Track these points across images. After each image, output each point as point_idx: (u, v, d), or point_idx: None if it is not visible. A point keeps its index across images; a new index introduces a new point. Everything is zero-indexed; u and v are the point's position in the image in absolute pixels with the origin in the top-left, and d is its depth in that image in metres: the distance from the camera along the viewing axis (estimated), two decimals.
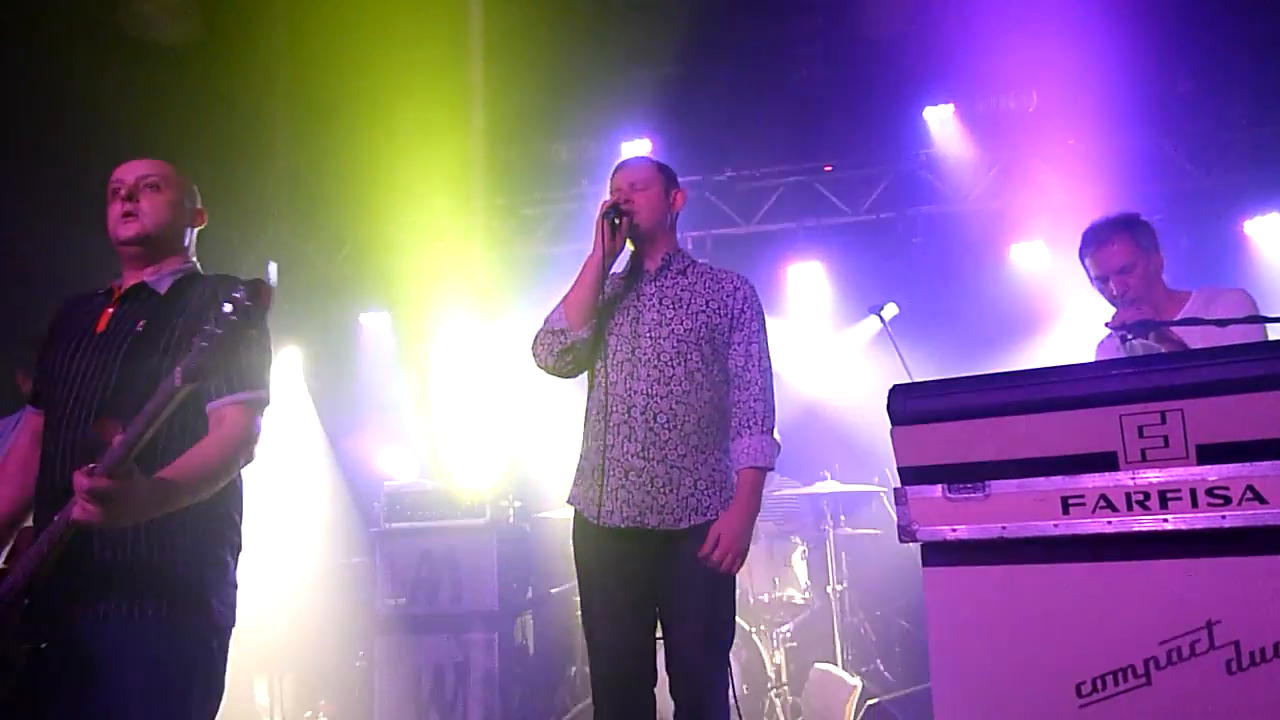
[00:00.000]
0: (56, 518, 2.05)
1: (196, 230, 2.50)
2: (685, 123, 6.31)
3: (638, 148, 6.15)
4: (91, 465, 1.94)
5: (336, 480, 6.84)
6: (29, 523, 2.32)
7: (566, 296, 2.83)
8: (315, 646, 5.74)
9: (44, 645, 2.10)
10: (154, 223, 2.37)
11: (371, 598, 5.41)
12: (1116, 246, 3.00)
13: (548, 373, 2.87)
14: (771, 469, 2.79)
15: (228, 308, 1.84)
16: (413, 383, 7.09)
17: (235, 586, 2.33)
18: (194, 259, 2.49)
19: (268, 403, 2.31)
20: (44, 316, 2.51)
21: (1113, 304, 2.97)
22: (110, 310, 2.35)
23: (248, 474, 2.35)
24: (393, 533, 5.45)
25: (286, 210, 6.91)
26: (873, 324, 5.06)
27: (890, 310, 4.60)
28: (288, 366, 7.15)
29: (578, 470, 2.89)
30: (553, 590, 5.55)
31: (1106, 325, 2.83)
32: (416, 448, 6.97)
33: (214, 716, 2.24)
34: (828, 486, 5.23)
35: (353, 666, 5.61)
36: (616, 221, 2.82)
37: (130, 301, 2.35)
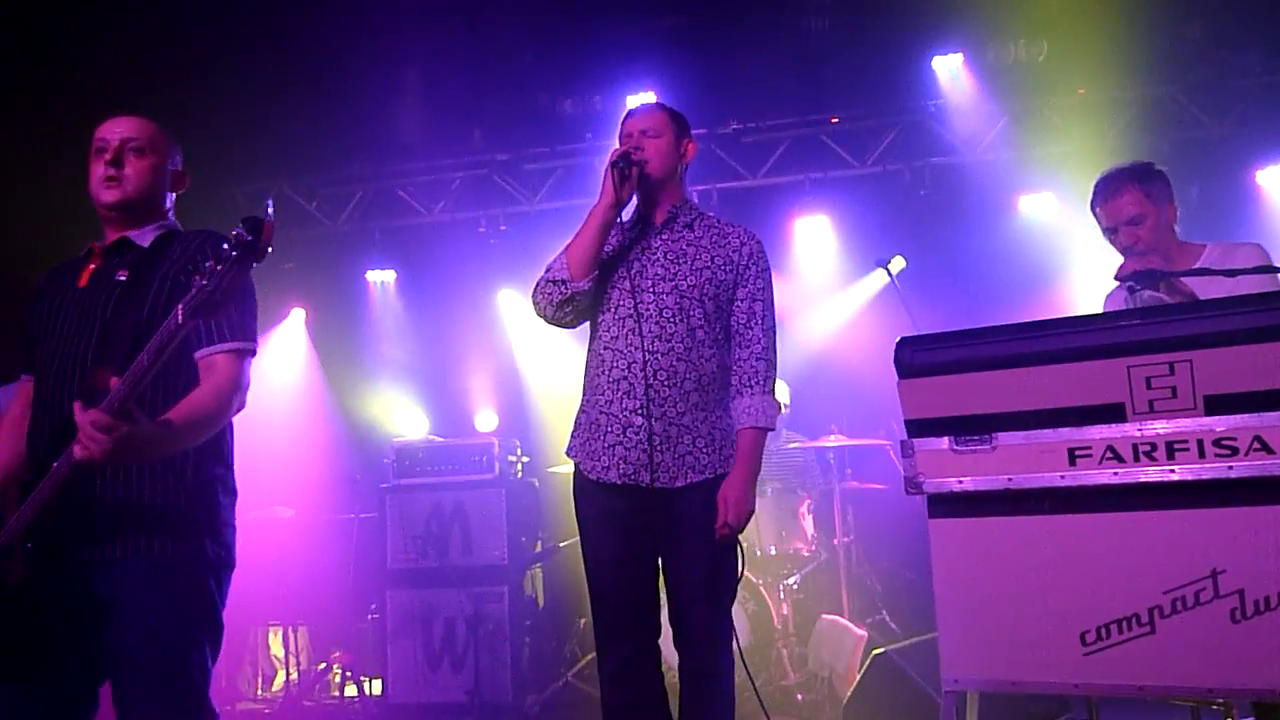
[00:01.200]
0: (55, 464, 2.07)
1: (177, 194, 2.50)
2: (690, 74, 6.21)
3: (643, 100, 6.08)
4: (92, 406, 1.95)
5: (346, 436, 6.88)
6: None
7: (569, 246, 2.76)
8: (328, 600, 5.82)
9: (48, 588, 2.14)
10: (136, 189, 2.37)
11: (383, 552, 5.47)
12: (1127, 197, 2.96)
13: (547, 322, 2.81)
14: (772, 429, 2.76)
15: (227, 245, 1.83)
16: (420, 339, 7.10)
17: (231, 528, 2.35)
18: (173, 219, 2.48)
19: (254, 353, 2.32)
20: (33, 276, 2.50)
21: (1124, 255, 2.95)
22: (92, 266, 2.37)
23: (257, 431, 2.36)
24: (402, 488, 5.49)
25: (290, 168, 6.87)
26: (880, 277, 5.04)
27: (897, 263, 4.58)
28: (294, 325, 7.16)
29: (575, 423, 2.86)
30: (561, 544, 5.59)
31: (1115, 276, 2.82)
32: (425, 404, 7.00)
33: (216, 653, 2.26)
34: (835, 440, 5.25)
35: (365, 619, 5.68)
36: (626, 171, 2.73)
37: (112, 255, 2.36)
